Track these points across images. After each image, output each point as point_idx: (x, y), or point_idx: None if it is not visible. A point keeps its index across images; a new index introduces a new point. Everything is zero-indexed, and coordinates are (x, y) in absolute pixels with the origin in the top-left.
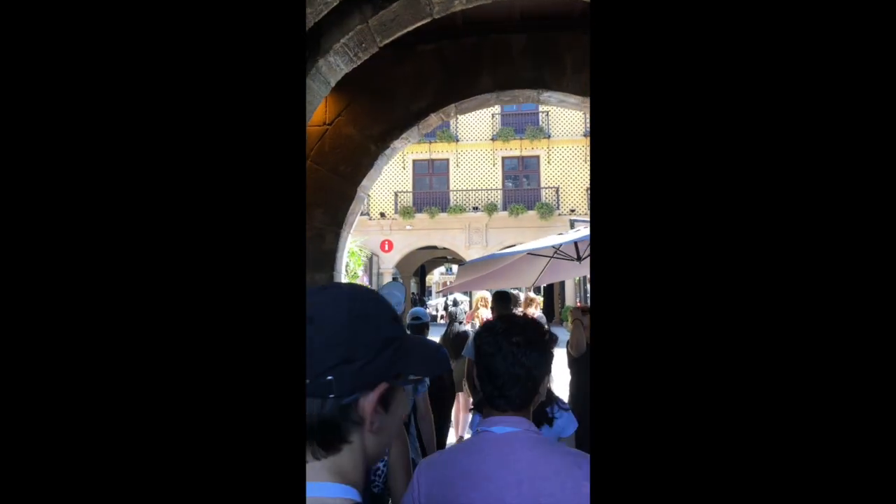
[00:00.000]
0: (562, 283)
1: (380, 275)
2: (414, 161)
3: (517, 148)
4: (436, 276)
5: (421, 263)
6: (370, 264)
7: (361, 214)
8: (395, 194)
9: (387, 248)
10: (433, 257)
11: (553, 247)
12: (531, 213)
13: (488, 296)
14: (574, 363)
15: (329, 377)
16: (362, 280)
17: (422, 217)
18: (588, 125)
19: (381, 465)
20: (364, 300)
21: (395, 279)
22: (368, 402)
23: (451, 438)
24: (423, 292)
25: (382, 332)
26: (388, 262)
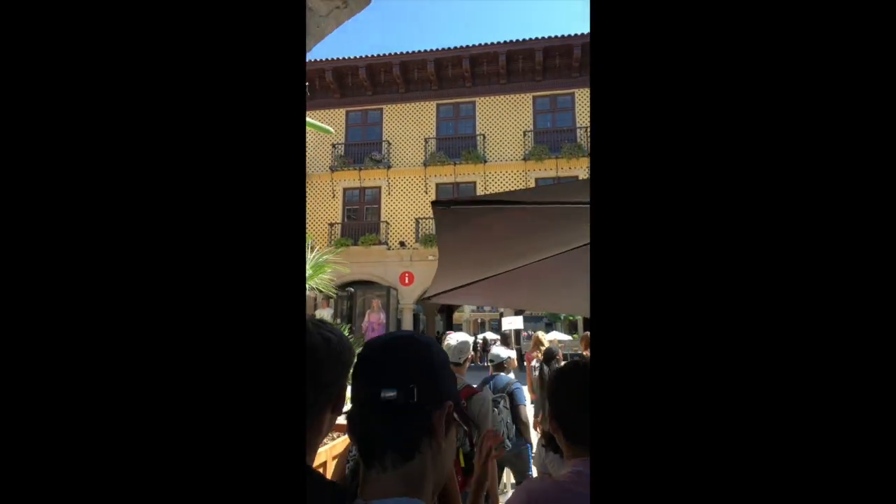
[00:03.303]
0: None
1: (399, 310)
2: (437, 185)
3: (552, 167)
4: (466, 314)
5: None
6: (388, 299)
7: (380, 244)
8: (416, 221)
9: (407, 280)
10: None
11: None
12: None
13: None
14: None
15: (412, 385)
16: (377, 317)
17: None
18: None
19: None
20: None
21: (416, 315)
22: (440, 413)
23: None
24: (451, 329)
25: (448, 361)
26: (409, 297)
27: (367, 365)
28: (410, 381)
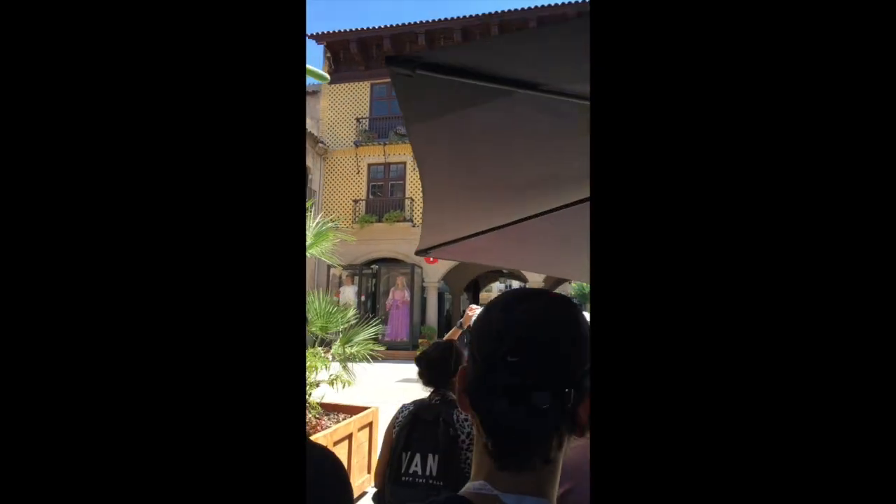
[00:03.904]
0: None
1: (424, 288)
2: None
3: None
4: (494, 293)
5: (474, 277)
6: (412, 277)
7: (404, 221)
8: None
9: (432, 259)
10: (487, 271)
11: None
12: None
13: None
14: None
15: (569, 389)
16: (402, 295)
17: None
18: None
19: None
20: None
21: (441, 294)
22: (585, 406)
23: None
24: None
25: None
26: (433, 275)
27: (519, 356)
28: (568, 384)
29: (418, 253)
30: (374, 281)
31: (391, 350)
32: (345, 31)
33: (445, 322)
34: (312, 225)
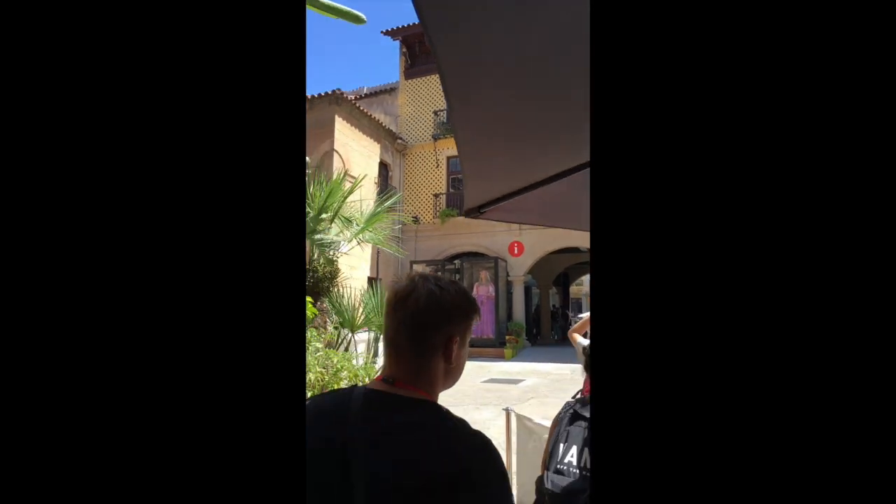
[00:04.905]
0: None
1: (509, 283)
2: None
3: None
4: (585, 287)
5: (562, 270)
6: (496, 270)
7: None
8: None
9: (516, 251)
10: (577, 262)
11: None
12: None
13: None
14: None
15: None
16: (486, 290)
17: None
18: None
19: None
20: None
21: (528, 288)
22: None
23: None
24: (568, 304)
25: None
26: (519, 268)
27: None
28: None
29: (466, 214)
30: (457, 276)
31: (477, 347)
32: (418, 23)
33: (534, 317)
34: (365, 210)
